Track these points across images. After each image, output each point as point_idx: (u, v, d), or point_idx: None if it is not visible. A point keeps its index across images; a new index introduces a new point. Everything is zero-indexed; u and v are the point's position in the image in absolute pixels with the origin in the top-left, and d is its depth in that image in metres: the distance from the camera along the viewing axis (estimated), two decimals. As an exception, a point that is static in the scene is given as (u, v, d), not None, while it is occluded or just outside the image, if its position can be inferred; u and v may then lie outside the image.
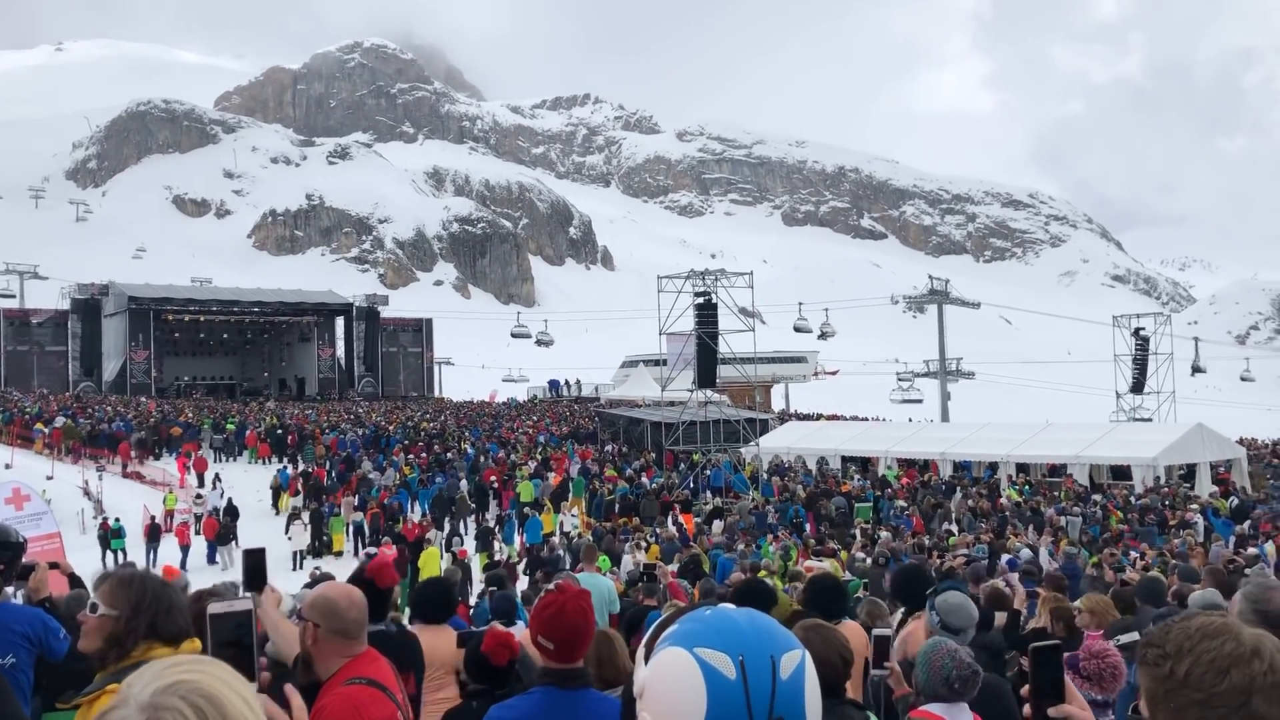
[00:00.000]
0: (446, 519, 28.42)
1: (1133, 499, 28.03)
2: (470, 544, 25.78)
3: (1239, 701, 1.62)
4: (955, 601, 4.87)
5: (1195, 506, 26.71)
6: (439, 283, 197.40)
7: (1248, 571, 10.83)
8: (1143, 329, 45.98)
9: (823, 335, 55.08)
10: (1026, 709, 2.06)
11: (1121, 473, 32.48)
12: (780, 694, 1.49)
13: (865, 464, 36.95)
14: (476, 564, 23.62)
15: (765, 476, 34.40)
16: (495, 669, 4.62)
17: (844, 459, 37.42)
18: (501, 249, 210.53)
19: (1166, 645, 1.72)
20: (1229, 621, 1.73)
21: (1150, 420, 43.67)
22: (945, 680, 3.91)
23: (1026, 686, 2.05)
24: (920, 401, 58.48)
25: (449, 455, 37.02)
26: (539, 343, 56.80)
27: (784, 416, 56.43)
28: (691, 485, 33.03)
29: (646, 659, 1.60)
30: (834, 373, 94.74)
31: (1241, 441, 40.80)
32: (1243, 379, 56.22)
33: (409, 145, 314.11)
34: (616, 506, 28.55)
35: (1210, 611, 1.79)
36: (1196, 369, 56.40)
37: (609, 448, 41.44)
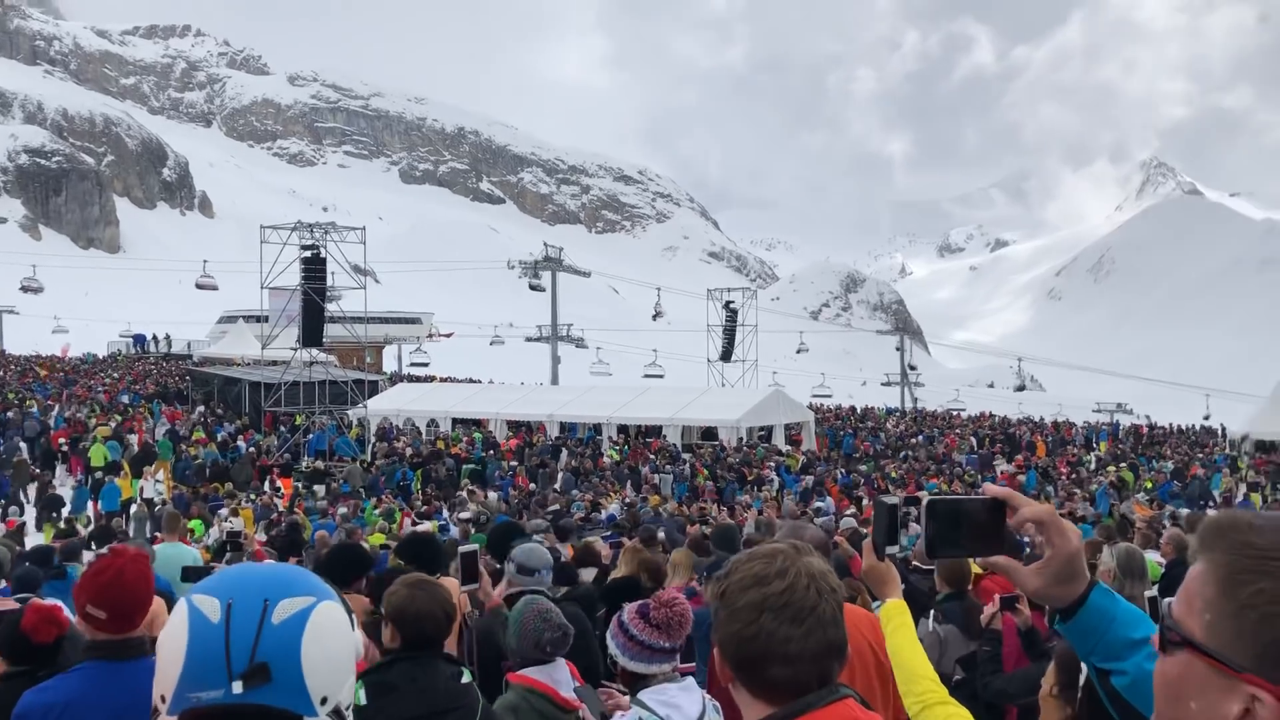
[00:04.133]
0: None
1: (720, 457, 30.34)
2: (31, 513, 22.97)
3: (751, 617, 1.74)
4: (529, 546, 5.00)
5: (772, 463, 29.42)
6: (2, 220, 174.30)
7: (816, 521, 11.98)
8: (732, 302, 49.78)
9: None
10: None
11: (710, 433, 35.05)
12: (267, 638, 1.41)
13: (476, 426, 37.16)
14: (42, 536, 21.06)
15: (373, 440, 33.62)
16: (39, 648, 3.98)
17: (455, 421, 37.41)
18: (81, 187, 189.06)
19: (724, 568, 1.86)
20: (780, 548, 1.84)
21: (662, 377, 49.00)
22: (537, 643, 3.93)
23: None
24: (427, 365, 60.05)
25: (9, 415, 32.78)
26: (200, 286, 50.81)
27: (395, 378, 55.45)
28: (293, 448, 31.58)
29: None
30: (448, 335, 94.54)
31: (811, 406, 45.54)
32: (798, 351, 62.52)
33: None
34: (207, 471, 26.64)
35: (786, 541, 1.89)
36: (801, 349, 62.63)
37: (200, 408, 38.62)
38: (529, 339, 62.21)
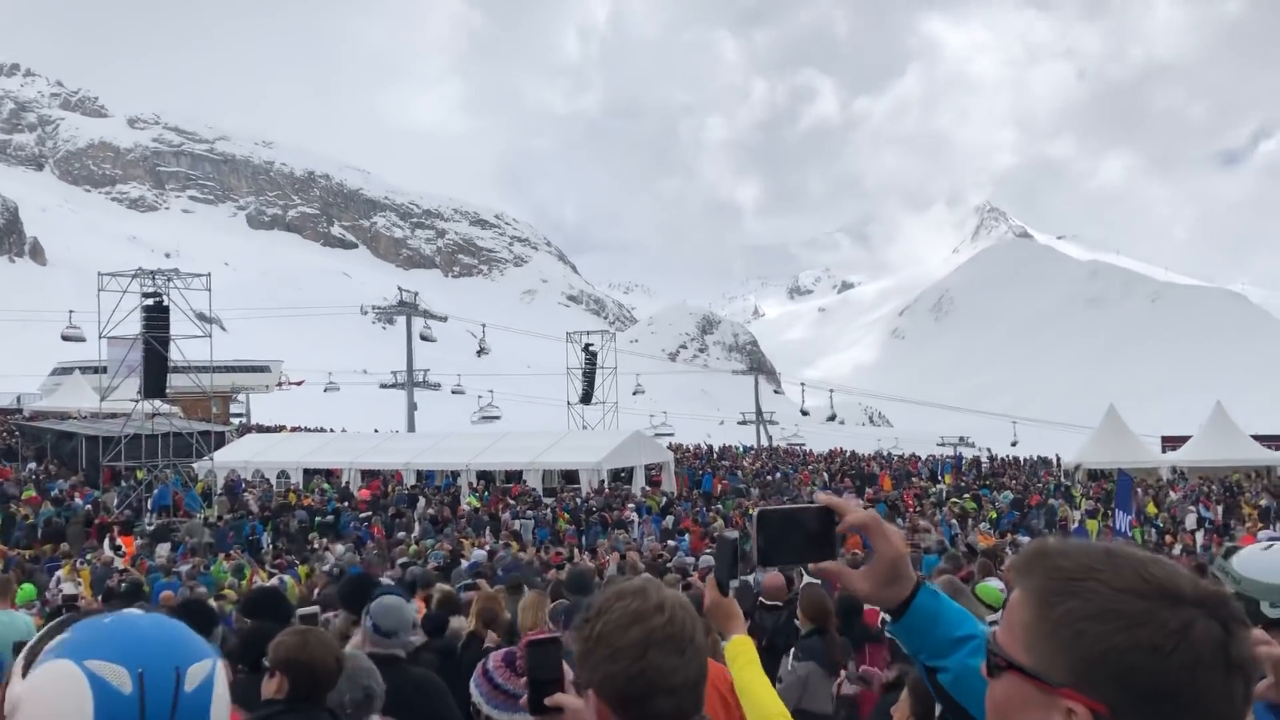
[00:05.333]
0: None
1: (579, 500, 30.28)
2: None
3: (638, 653, 1.74)
4: (389, 604, 4.84)
5: (632, 505, 29.53)
6: None
7: (669, 565, 12.10)
8: (592, 345, 49.93)
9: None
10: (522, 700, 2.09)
11: (571, 476, 34.93)
12: (183, 708, 1.33)
13: (329, 476, 36.14)
14: None
15: (219, 493, 32.35)
16: None
17: (306, 471, 36.30)
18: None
19: (592, 610, 1.84)
20: (646, 584, 1.88)
21: (497, 418, 48.64)
22: (339, 701, 3.79)
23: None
24: (242, 416, 58.41)
25: None
26: (66, 338, 47.25)
27: (244, 428, 53.54)
28: (135, 504, 30.09)
29: (25, 671, 1.36)
30: (299, 383, 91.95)
31: (670, 447, 46.01)
32: (635, 393, 59.41)
33: None
34: (39, 531, 25.12)
35: (641, 578, 1.93)
36: (637, 390, 61.90)
37: (32, 465, 36.48)
38: (384, 385, 61.00)
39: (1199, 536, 27.06)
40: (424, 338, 51.62)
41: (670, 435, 58.83)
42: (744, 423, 71.83)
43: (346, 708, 3.77)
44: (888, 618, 1.75)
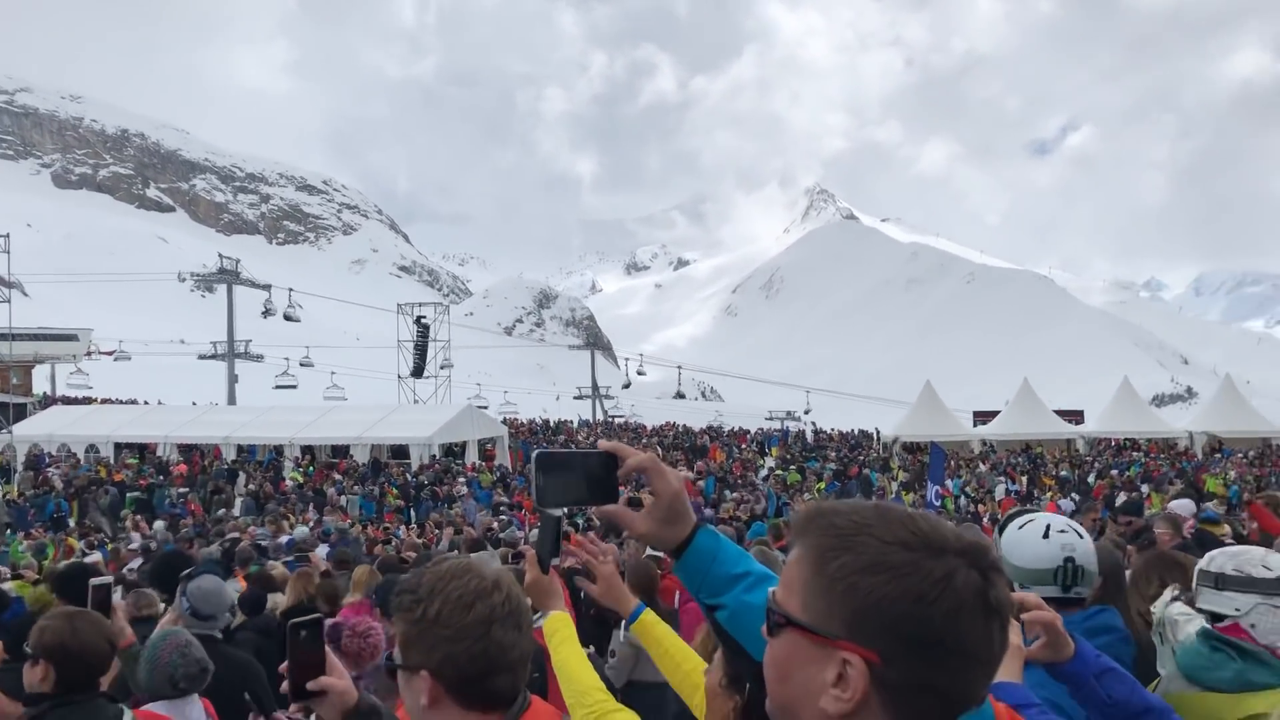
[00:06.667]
0: None
1: (409, 476, 29.76)
2: None
3: (481, 631, 1.74)
4: (208, 588, 4.62)
5: (463, 479, 29.23)
6: None
7: (501, 535, 12.03)
8: (424, 317, 49.07)
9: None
10: (284, 685, 1.95)
11: (401, 451, 34.30)
12: None
13: (143, 450, 34.40)
14: None
15: (18, 468, 30.35)
16: None
17: (118, 445, 34.43)
18: None
19: (420, 590, 1.79)
20: (472, 562, 1.89)
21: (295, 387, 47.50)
22: (170, 679, 3.72)
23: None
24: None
25: None
26: None
27: (47, 400, 50.41)
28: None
29: None
30: (110, 353, 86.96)
31: (505, 421, 45.76)
32: (442, 367, 54.12)
33: None
34: None
35: (458, 556, 1.87)
36: (446, 364, 58.36)
37: None
38: (202, 356, 58.29)
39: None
40: (288, 318, 49.08)
41: (484, 407, 57.25)
42: (580, 397, 71.97)
43: (179, 682, 3.62)
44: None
